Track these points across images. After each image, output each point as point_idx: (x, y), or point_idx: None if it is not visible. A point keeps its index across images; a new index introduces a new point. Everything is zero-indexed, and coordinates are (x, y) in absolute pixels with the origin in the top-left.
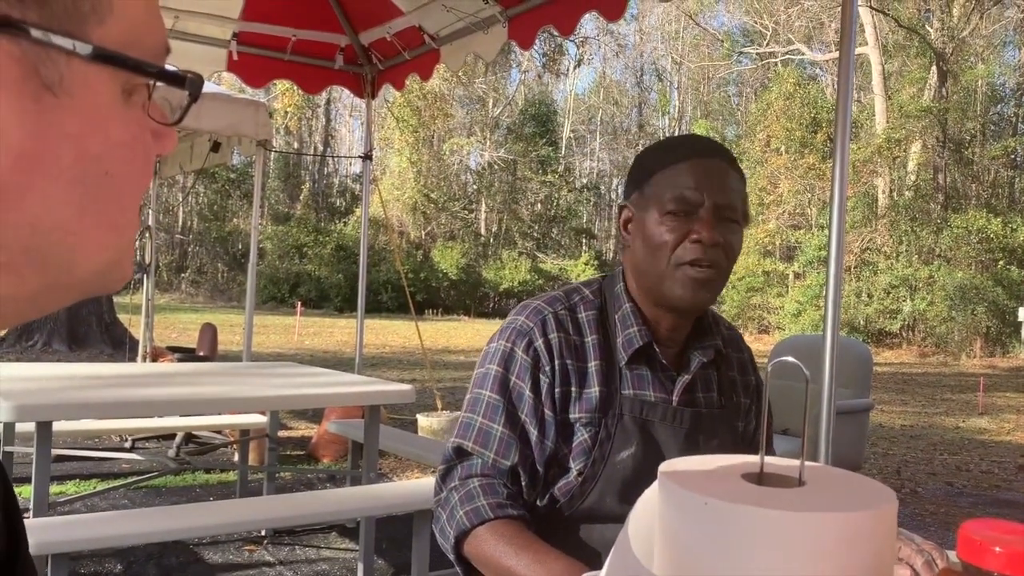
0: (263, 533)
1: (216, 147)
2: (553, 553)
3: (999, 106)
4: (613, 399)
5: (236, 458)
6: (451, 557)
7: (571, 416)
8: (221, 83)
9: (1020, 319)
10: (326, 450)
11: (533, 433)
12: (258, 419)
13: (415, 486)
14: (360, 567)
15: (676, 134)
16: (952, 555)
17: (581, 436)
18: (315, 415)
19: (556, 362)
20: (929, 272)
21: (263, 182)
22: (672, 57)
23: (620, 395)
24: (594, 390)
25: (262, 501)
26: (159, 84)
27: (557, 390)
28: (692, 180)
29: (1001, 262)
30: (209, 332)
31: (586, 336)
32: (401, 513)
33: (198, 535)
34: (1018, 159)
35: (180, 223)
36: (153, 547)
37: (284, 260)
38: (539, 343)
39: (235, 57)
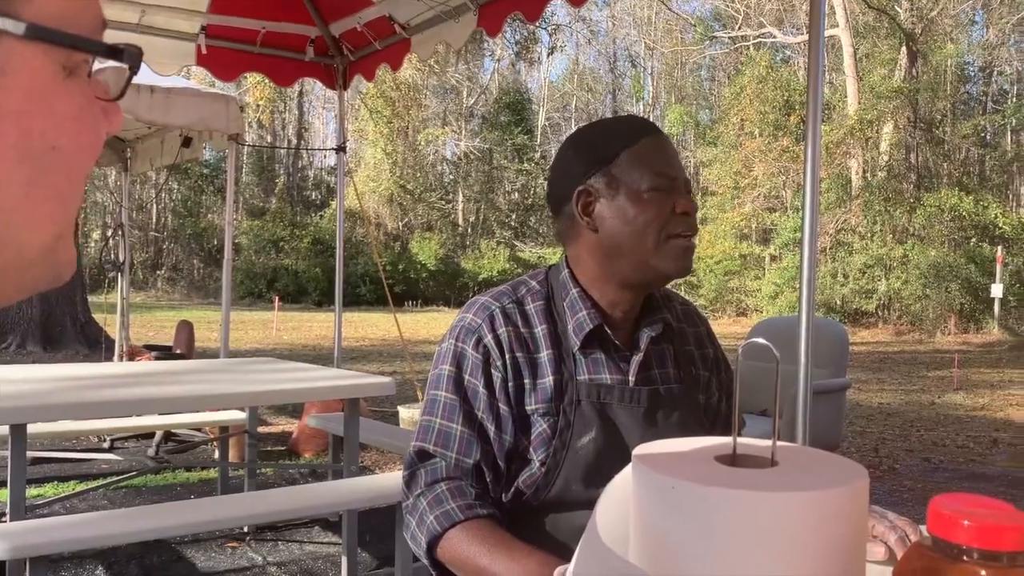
0: (245, 530)
1: (187, 142)
2: (526, 549)
3: (968, 85)
4: (568, 386)
5: (216, 455)
6: (425, 562)
7: (527, 408)
8: (191, 77)
9: (993, 295)
10: (307, 445)
11: (491, 429)
12: (237, 416)
13: (397, 478)
14: (344, 560)
15: (660, 123)
16: (925, 529)
17: (540, 427)
18: (295, 410)
19: (507, 356)
20: (903, 251)
21: (236, 177)
22: (645, 43)
23: (575, 381)
24: (548, 380)
25: (243, 498)
26: (105, 63)
27: (510, 384)
28: (663, 156)
29: (973, 239)
30: (186, 329)
31: (535, 327)
32: (383, 505)
33: (180, 534)
34: (987, 137)
35: (154, 220)
36: (134, 547)
37: (260, 255)
38: (488, 339)
39: (204, 51)
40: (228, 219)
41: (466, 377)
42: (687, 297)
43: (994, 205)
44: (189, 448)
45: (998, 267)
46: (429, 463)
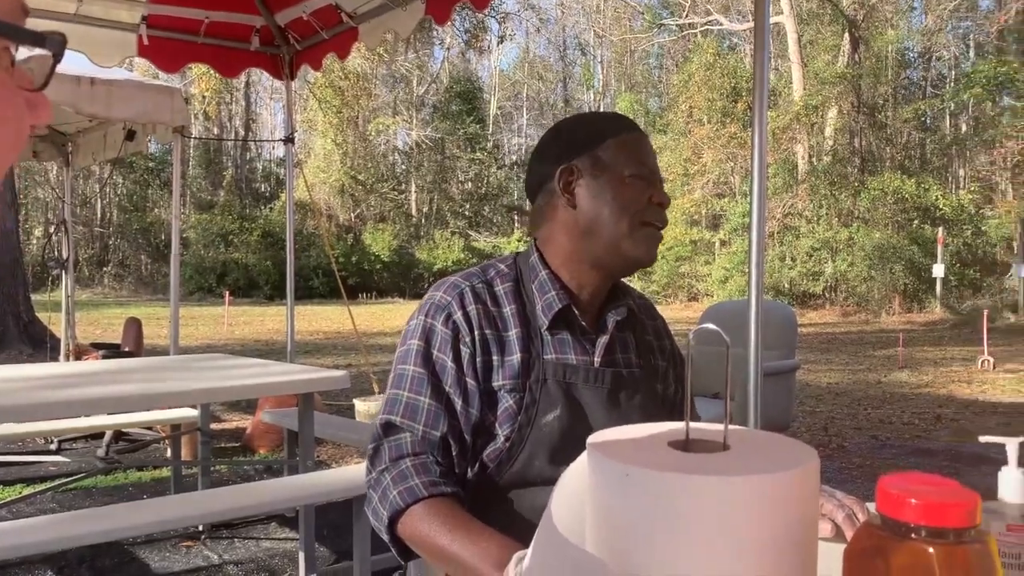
0: (200, 528)
1: (131, 135)
2: (487, 531)
3: (908, 71)
4: (535, 364)
5: (169, 454)
6: (385, 537)
7: (494, 384)
8: (134, 69)
9: (935, 275)
10: (261, 441)
11: (458, 403)
12: (189, 413)
13: (354, 472)
14: (301, 556)
15: (602, 108)
16: (873, 507)
17: (506, 403)
18: (249, 406)
19: (476, 333)
20: (848, 234)
21: (183, 170)
22: (594, 31)
23: (542, 360)
24: (516, 357)
25: (197, 496)
26: (32, 51)
27: (479, 360)
28: (646, 151)
29: (916, 221)
30: (134, 327)
31: (504, 307)
32: (340, 500)
33: (132, 535)
34: (927, 121)
35: (99, 215)
36: (85, 550)
37: (210, 249)
38: (458, 315)
39: (146, 41)
40: (175, 213)
41: (435, 352)
42: (640, 283)
43: (935, 187)
44: (140, 447)
45: (939, 248)
46: (394, 437)
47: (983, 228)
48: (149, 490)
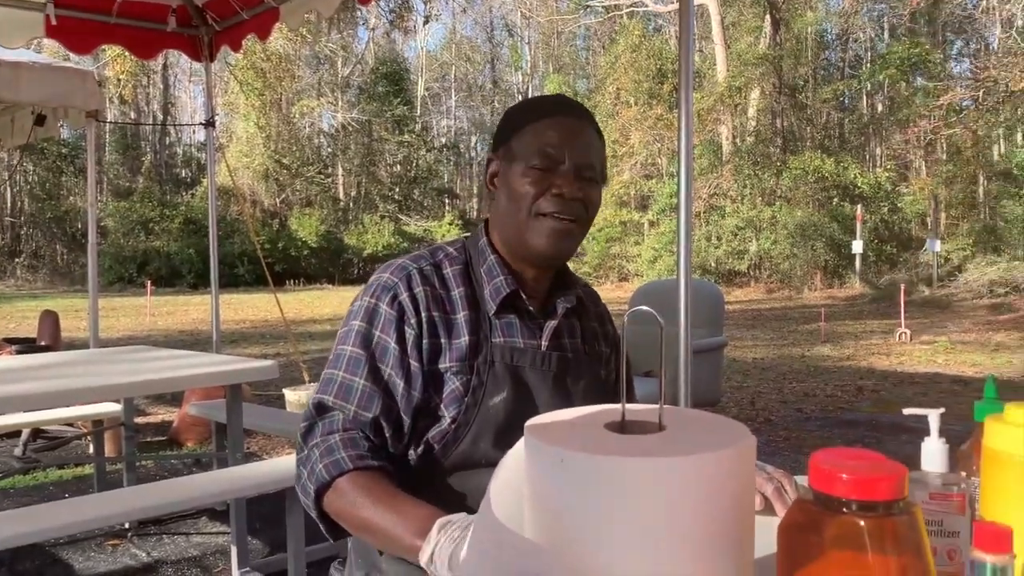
0: (127, 526)
1: (41, 120)
2: (411, 501)
3: (827, 52)
4: (483, 347)
5: (91, 450)
6: (313, 514)
7: (441, 367)
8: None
9: (854, 251)
10: (189, 434)
11: (399, 384)
12: (112, 408)
13: (285, 463)
14: (233, 550)
15: (539, 92)
16: (803, 480)
17: (453, 384)
18: (174, 399)
19: (423, 314)
20: (772, 213)
21: (98, 156)
22: (521, 11)
23: (490, 343)
24: (463, 340)
25: (122, 493)
26: None
27: (425, 342)
28: (556, 137)
29: (835, 199)
30: (50, 320)
31: (452, 290)
32: (272, 491)
33: (54, 536)
34: (845, 101)
35: (9, 204)
36: (4, 554)
37: (129, 237)
38: (404, 296)
39: (54, 21)
40: (91, 201)
41: (377, 333)
42: (572, 264)
43: (853, 166)
44: (60, 445)
45: (858, 225)
46: (327, 416)
47: (899, 205)
48: (71, 489)
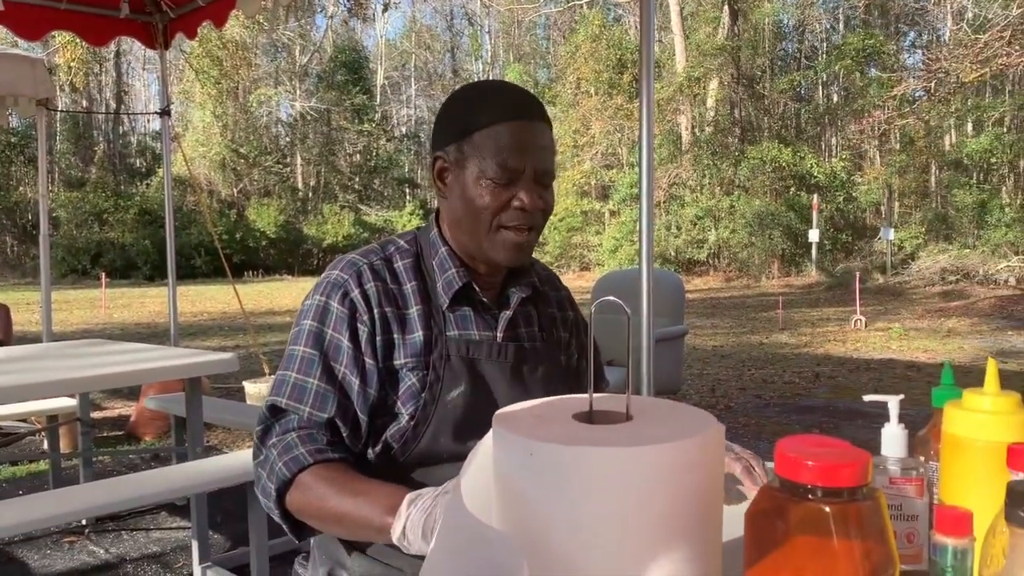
0: (83, 523)
1: None
2: (376, 483)
3: (784, 43)
4: (438, 341)
5: (46, 446)
6: (276, 515)
7: (396, 363)
8: None
9: (811, 240)
10: (147, 428)
11: (355, 383)
12: (67, 402)
13: (246, 456)
14: (194, 545)
15: (491, 79)
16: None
17: (409, 381)
18: (131, 392)
19: (375, 311)
20: (730, 202)
21: (49, 145)
22: (481, 0)
23: (445, 337)
24: (417, 335)
25: (79, 490)
26: None
27: (378, 338)
28: (515, 146)
29: (792, 189)
30: (1, 313)
31: (404, 284)
32: (233, 485)
33: (8, 534)
34: (802, 92)
35: None
36: None
37: (82, 229)
38: (355, 293)
39: (1, 7)
40: (43, 191)
41: (329, 332)
42: (535, 254)
43: (810, 156)
44: (14, 441)
45: (814, 214)
46: (282, 418)
47: (854, 194)
48: (25, 486)
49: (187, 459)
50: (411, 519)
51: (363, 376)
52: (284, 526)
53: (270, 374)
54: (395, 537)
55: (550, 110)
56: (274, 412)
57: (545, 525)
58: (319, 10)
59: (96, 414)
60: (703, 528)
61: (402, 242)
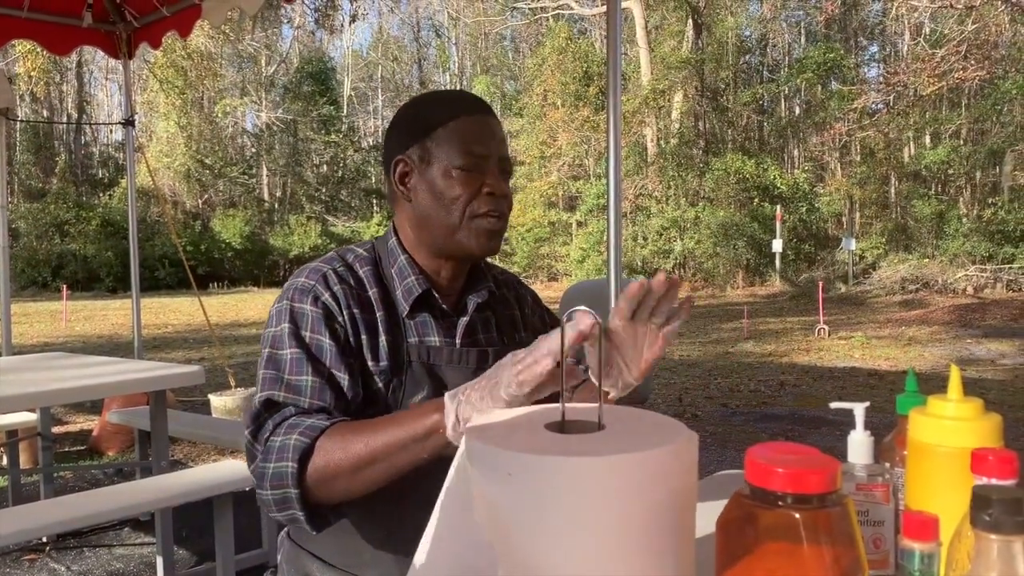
0: (44, 540)
1: None
2: (400, 412)
3: (747, 56)
4: (400, 348)
5: (5, 462)
6: (295, 509)
7: (369, 365)
8: None
9: (774, 250)
10: (110, 442)
11: (344, 379)
12: (27, 417)
13: (212, 470)
14: (159, 561)
15: (447, 88)
16: (733, 473)
17: (375, 386)
18: (94, 406)
19: (346, 312)
20: (695, 213)
21: (9, 155)
22: (448, 12)
23: (406, 343)
24: (382, 339)
25: (39, 506)
26: None
27: (352, 340)
28: (478, 135)
29: (756, 200)
30: None
31: (368, 289)
32: (199, 500)
33: None
34: (765, 105)
35: None
36: None
37: (42, 240)
38: (325, 296)
39: None
40: (2, 202)
41: (307, 333)
42: (501, 264)
43: (773, 167)
44: None
45: (778, 224)
46: (278, 409)
47: (816, 205)
48: None
49: (152, 473)
50: (461, 406)
51: (350, 373)
52: (301, 516)
53: (236, 387)
54: (449, 427)
55: (517, 122)
56: (269, 406)
57: (520, 535)
58: (286, 21)
59: (57, 429)
60: (676, 536)
61: (360, 250)
